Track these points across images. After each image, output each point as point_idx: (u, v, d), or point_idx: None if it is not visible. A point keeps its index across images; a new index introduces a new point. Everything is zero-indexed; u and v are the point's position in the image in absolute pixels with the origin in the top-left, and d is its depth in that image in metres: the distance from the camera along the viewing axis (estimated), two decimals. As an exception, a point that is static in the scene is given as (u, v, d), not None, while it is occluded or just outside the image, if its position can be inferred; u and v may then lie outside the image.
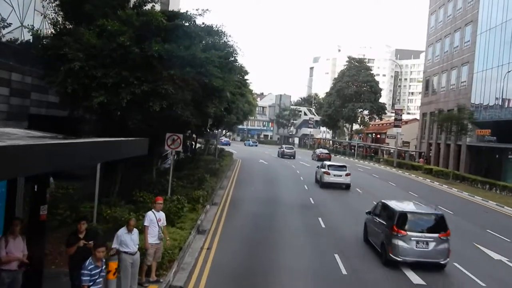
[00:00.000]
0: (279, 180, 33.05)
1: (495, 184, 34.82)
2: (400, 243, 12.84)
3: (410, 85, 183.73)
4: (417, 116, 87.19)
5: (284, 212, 20.99)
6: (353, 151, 71.25)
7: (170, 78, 13.56)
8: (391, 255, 12.97)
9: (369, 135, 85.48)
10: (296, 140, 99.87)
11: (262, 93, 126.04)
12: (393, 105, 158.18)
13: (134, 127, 13.90)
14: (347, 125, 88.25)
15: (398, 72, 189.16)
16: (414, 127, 65.15)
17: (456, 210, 24.47)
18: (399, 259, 12.89)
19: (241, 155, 55.66)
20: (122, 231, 9.12)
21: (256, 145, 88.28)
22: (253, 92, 48.27)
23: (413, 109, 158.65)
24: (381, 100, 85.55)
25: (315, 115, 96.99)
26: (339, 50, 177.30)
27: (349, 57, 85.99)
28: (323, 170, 30.28)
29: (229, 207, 21.51)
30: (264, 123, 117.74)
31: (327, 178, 29.51)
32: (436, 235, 13.04)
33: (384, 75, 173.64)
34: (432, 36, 58.75)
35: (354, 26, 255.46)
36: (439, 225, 13.33)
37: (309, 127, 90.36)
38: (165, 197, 15.53)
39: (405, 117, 75.04)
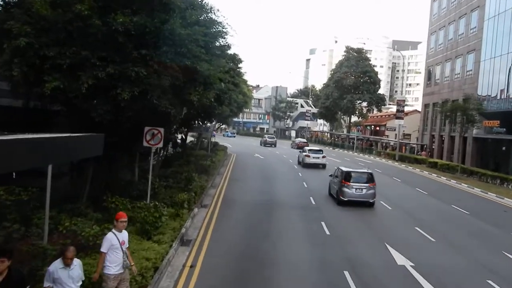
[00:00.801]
0: (276, 177, 30.62)
1: (507, 179, 32.52)
2: (346, 189, 20.53)
3: (408, 77, 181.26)
4: (416, 108, 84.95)
5: (283, 218, 18.61)
6: (351, 144, 68.89)
7: (142, 59, 11.04)
8: (341, 197, 20.72)
9: (368, 127, 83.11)
10: (293, 133, 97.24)
11: (258, 85, 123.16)
12: (390, 96, 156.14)
13: (102, 120, 11.40)
14: (345, 117, 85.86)
15: (395, 63, 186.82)
16: (414, 119, 62.78)
17: (472, 209, 22.15)
18: (345, 199, 20.52)
19: (235, 149, 53.23)
20: (56, 265, 6.53)
21: (234, 136, 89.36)
22: (247, 83, 45.65)
23: (410, 100, 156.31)
24: (379, 91, 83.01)
25: (312, 107, 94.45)
26: (336, 42, 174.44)
27: (347, 47, 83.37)
28: (304, 154, 37.89)
29: (220, 209, 19.11)
30: (260, 115, 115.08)
31: (308, 160, 36.98)
32: (367, 184, 20.69)
33: (381, 67, 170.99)
34: (435, 23, 56.18)
35: (351, 17, 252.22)
36: (369, 179, 20.87)
37: (306, 120, 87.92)
38: (142, 203, 13.03)
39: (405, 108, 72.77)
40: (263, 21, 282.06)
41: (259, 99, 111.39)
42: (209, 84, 13.25)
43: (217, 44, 14.83)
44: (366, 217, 19.17)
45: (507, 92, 37.72)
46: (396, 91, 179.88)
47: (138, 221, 12.05)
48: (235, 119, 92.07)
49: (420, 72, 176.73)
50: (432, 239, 15.68)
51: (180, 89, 12.34)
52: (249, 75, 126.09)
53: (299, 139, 69.79)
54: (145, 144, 14.99)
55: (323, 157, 36.82)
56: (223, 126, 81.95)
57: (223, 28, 14.14)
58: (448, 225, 18.68)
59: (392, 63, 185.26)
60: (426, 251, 14.34)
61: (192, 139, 46.60)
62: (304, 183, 27.81)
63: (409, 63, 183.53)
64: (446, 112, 37.40)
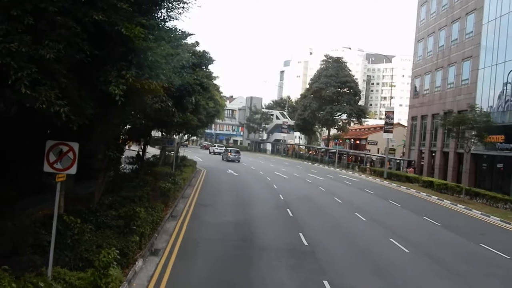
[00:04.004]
0: (253, 201, 25.03)
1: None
2: (229, 155, 58.52)
3: (382, 90, 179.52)
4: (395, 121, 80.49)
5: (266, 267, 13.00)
6: (332, 158, 63.82)
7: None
8: (227, 159, 57.73)
9: (347, 141, 78.46)
10: (269, 146, 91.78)
11: (231, 96, 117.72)
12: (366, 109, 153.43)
13: None
14: (324, 129, 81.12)
15: (370, 76, 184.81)
16: (398, 133, 58.27)
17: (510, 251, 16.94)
18: (229, 159, 57.22)
19: (206, 164, 47.39)
20: None
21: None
22: (219, 89, 40.13)
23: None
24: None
25: (288, 119, 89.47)
26: (311, 53, 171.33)
27: (326, 55, 78.86)
28: (214, 148, 75.23)
29: (177, 258, 13.35)
30: (234, 127, 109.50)
31: (216, 150, 72.89)
32: (237, 154, 59.16)
33: (356, 79, 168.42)
34: (422, 30, 52.03)
35: (325, 29, 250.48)
36: (237, 152, 60.60)
37: (282, 132, 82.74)
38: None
39: (381, 122, 68.53)
40: (237, 33, 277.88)
41: (232, 110, 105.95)
42: (148, 66, 7.53)
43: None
44: (383, 269, 13.68)
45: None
46: (371, 104, 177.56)
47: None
48: (207, 131, 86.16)
49: (395, 85, 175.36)
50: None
51: (85, 71, 6.58)
52: (223, 85, 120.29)
53: (205, 142, 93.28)
54: (46, 168, 9.17)
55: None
56: (194, 138, 75.91)
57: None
58: (505, 285, 13.28)
59: (367, 76, 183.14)
60: None
61: (157, 153, 40.67)
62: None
63: (383, 76, 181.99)
64: (449, 125, 32.61)
